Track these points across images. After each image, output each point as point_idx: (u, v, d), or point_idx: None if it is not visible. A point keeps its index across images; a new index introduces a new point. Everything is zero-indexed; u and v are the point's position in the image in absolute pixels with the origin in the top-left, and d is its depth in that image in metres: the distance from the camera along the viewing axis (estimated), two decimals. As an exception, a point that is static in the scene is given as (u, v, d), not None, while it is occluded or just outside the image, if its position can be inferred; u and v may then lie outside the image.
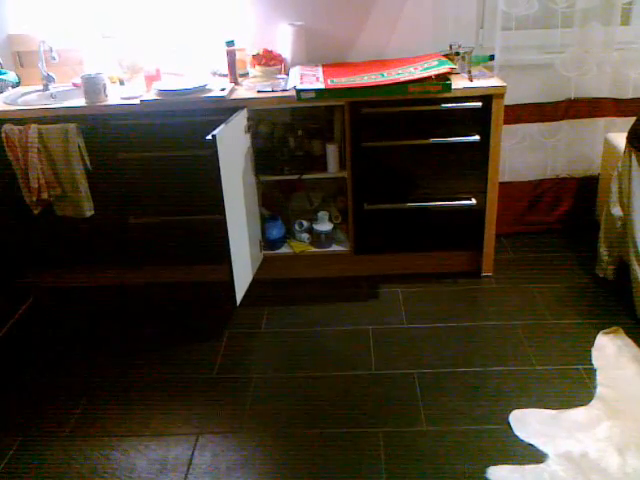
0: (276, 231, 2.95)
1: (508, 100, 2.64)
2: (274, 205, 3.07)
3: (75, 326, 2.79)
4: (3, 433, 2.18)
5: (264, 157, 2.84)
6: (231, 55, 2.78)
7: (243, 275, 2.60)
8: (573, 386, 2.21)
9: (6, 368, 2.54)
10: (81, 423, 2.21)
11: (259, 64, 2.93)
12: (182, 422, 2.18)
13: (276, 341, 2.57)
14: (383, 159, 2.72)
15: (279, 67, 2.93)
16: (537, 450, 1.94)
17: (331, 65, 2.95)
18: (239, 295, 2.53)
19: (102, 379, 2.43)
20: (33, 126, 2.60)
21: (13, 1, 3.01)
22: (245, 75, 2.94)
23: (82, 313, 2.89)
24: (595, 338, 2.43)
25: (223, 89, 2.67)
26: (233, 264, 2.42)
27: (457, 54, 2.76)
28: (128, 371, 2.45)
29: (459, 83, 2.60)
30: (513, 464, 1.90)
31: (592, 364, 2.31)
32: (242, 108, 2.60)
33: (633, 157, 2.50)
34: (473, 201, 2.76)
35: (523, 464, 1.89)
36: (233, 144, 2.48)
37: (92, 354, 2.58)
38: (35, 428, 2.20)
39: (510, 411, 2.10)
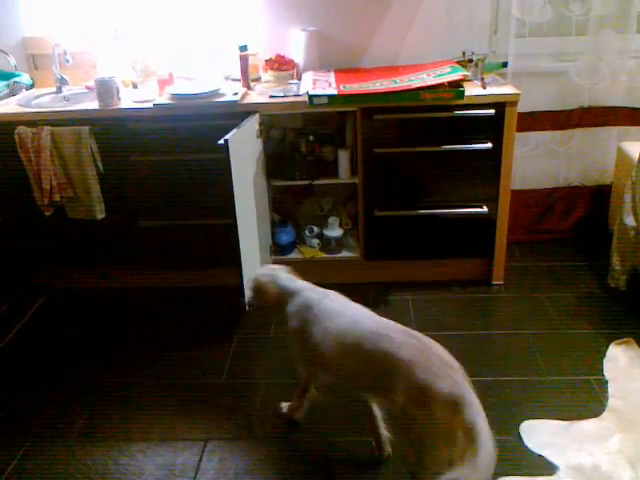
0: (286, 236, 2.95)
1: (521, 107, 2.62)
2: (285, 210, 3.07)
3: (84, 328, 2.79)
4: (11, 435, 2.18)
5: (275, 162, 2.84)
6: (244, 60, 2.79)
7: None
8: (584, 397, 2.19)
9: (15, 368, 2.55)
10: (89, 426, 2.21)
11: (272, 69, 2.93)
12: (190, 427, 2.18)
13: (285, 346, 2.55)
14: (395, 165, 2.71)
15: (291, 72, 2.94)
16: (548, 462, 1.92)
17: (343, 71, 2.95)
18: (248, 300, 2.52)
19: (111, 382, 2.43)
20: (46, 128, 2.61)
21: (28, 4, 3.04)
22: (257, 80, 2.95)
23: (91, 315, 2.89)
24: (607, 349, 2.41)
25: (236, 94, 2.67)
26: (243, 268, 2.42)
27: (470, 61, 2.75)
28: (137, 374, 2.45)
29: (472, 90, 2.59)
30: (523, 475, 1.87)
31: (604, 375, 2.28)
32: (254, 113, 2.60)
33: (647, 166, 2.48)
34: (485, 209, 2.75)
35: (533, 476, 1.87)
36: (245, 148, 2.48)
37: (101, 356, 2.58)
38: (43, 430, 2.20)
39: (520, 422, 2.08)
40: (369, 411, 1.97)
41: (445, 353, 1.64)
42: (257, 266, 2.66)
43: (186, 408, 2.27)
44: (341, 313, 1.83)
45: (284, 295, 1.96)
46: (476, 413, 1.53)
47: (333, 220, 2.95)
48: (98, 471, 2.01)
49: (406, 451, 1.68)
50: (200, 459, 2.03)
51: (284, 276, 2.01)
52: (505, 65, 2.90)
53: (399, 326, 1.74)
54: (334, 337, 1.77)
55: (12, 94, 2.95)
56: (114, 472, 2.01)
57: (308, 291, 1.95)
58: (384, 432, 1.98)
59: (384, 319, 1.79)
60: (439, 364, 1.60)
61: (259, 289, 2.00)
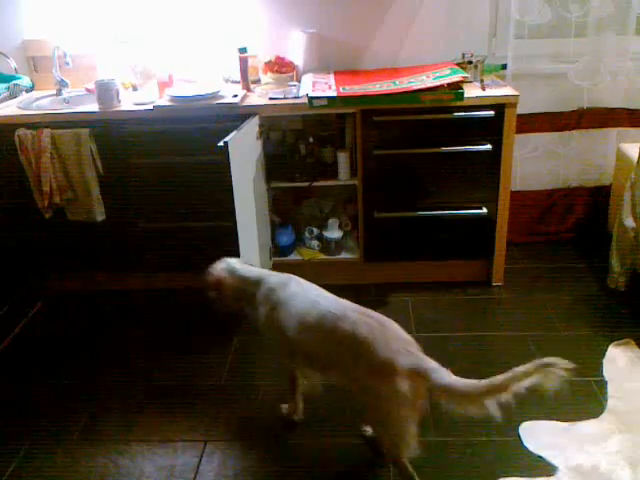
0: (286, 238, 2.95)
1: (520, 109, 2.63)
2: (284, 212, 3.07)
3: (83, 331, 2.80)
4: (11, 437, 2.18)
5: (275, 164, 2.85)
6: (243, 62, 2.79)
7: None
8: (584, 398, 2.19)
9: (14, 372, 2.55)
10: (89, 428, 2.21)
11: (271, 71, 2.94)
12: (190, 429, 2.18)
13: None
14: (394, 167, 2.71)
15: (291, 74, 2.94)
16: (547, 463, 1.92)
17: (343, 73, 2.95)
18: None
19: (110, 384, 2.43)
20: (46, 131, 2.62)
21: (28, 7, 3.04)
22: (257, 82, 2.95)
23: (90, 317, 2.89)
24: (606, 350, 2.41)
25: (235, 96, 2.68)
26: (243, 270, 2.42)
27: (470, 63, 2.76)
28: (136, 377, 2.46)
29: (472, 92, 2.59)
30: (523, 476, 1.88)
31: (603, 376, 2.28)
32: (254, 115, 2.60)
33: (646, 168, 2.48)
34: (484, 210, 2.75)
35: (533, 476, 1.87)
36: (245, 151, 2.49)
37: (100, 359, 2.58)
38: (43, 432, 2.20)
39: (520, 423, 2.08)
40: (295, 382, 2.09)
41: (401, 330, 1.74)
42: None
43: (186, 409, 2.27)
44: (303, 296, 1.88)
45: (247, 285, 1.99)
46: (444, 373, 1.64)
47: (333, 222, 2.95)
48: (98, 472, 2.02)
49: (381, 434, 1.78)
50: (200, 460, 2.04)
51: (241, 267, 2.04)
52: (504, 67, 2.91)
53: (358, 306, 1.82)
54: (297, 319, 1.83)
55: (12, 96, 2.95)
56: (114, 474, 2.01)
57: (270, 277, 1.98)
58: (301, 405, 2.12)
59: (344, 300, 1.86)
60: (396, 340, 1.69)
61: (218, 284, 2.02)
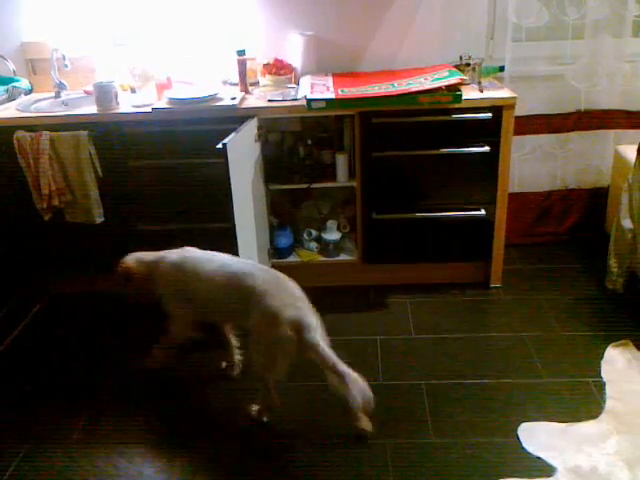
0: (285, 240, 2.96)
1: (518, 111, 2.64)
2: (283, 213, 3.07)
3: (82, 332, 2.79)
4: (11, 438, 2.18)
5: (274, 166, 2.85)
6: (242, 64, 2.79)
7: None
8: (582, 399, 2.19)
9: (14, 373, 2.55)
10: (88, 429, 2.21)
11: (270, 73, 2.94)
12: (190, 429, 2.18)
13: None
14: (393, 169, 2.72)
15: (289, 76, 2.95)
16: (546, 464, 1.92)
17: (341, 75, 2.96)
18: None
19: (110, 385, 2.43)
20: (45, 133, 2.62)
21: (27, 9, 3.04)
22: (256, 84, 2.95)
23: (89, 319, 2.89)
24: (604, 351, 2.42)
25: (234, 98, 2.68)
26: (242, 272, 2.42)
27: (467, 65, 2.77)
28: (136, 377, 2.45)
29: (469, 94, 2.60)
30: (522, 478, 1.88)
31: (601, 377, 2.29)
32: (252, 117, 2.61)
33: (644, 169, 2.50)
34: (482, 212, 2.76)
35: (532, 477, 1.88)
36: (243, 153, 2.49)
37: (99, 360, 2.58)
38: (42, 433, 2.20)
39: (519, 424, 2.09)
40: (227, 342, 2.39)
41: (296, 288, 2.05)
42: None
43: (186, 410, 2.27)
44: (209, 260, 2.19)
45: (152, 267, 2.25)
46: (319, 335, 1.96)
47: (331, 223, 2.96)
48: (97, 474, 2.01)
49: (258, 362, 2.06)
50: (199, 461, 2.03)
51: (144, 255, 2.31)
52: (502, 69, 2.92)
53: (260, 265, 2.15)
54: (207, 279, 2.13)
55: (11, 99, 2.95)
56: (113, 475, 2.01)
57: (169, 254, 2.27)
58: (237, 357, 2.40)
59: (247, 260, 2.21)
60: (289, 295, 2.01)
61: (127, 274, 2.26)
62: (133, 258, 2.30)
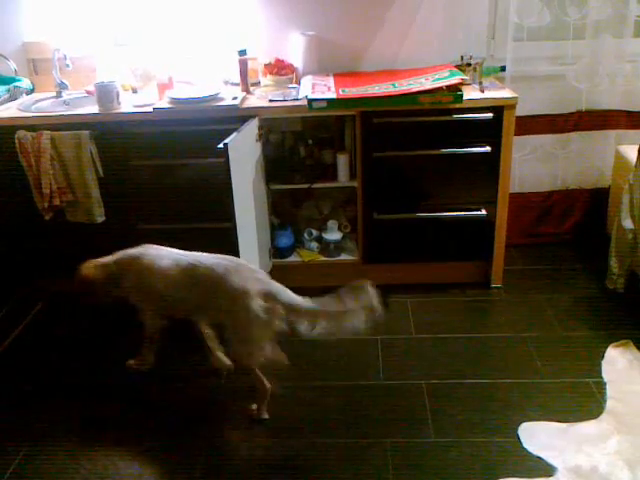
0: (285, 240, 2.96)
1: (519, 111, 2.64)
2: (284, 213, 3.08)
3: (83, 331, 2.80)
4: (11, 438, 2.18)
5: (275, 166, 2.85)
6: (243, 64, 2.80)
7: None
8: (583, 399, 2.19)
9: (15, 373, 2.55)
10: (89, 429, 2.22)
11: (271, 73, 2.94)
12: (190, 429, 2.18)
13: (283, 350, 2.55)
14: (394, 169, 2.72)
15: (291, 76, 2.95)
16: (546, 463, 1.92)
17: (342, 75, 2.96)
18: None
19: (111, 385, 2.43)
20: (46, 133, 2.62)
21: (28, 9, 3.05)
22: (257, 84, 2.96)
23: (90, 318, 2.89)
24: (605, 351, 2.42)
25: (235, 98, 2.68)
26: (242, 272, 2.43)
27: (468, 65, 2.77)
28: (136, 378, 2.45)
29: (470, 94, 2.60)
30: (522, 477, 1.88)
31: (602, 377, 2.29)
32: (254, 117, 2.61)
33: (644, 169, 2.50)
34: (483, 212, 2.76)
35: (532, 477, 1.88)
36: (244, 152, 2.49)
37: (100, 360, 2.59)
38: (42, 434, 2.20)
39: (519, 423, 2.09)
40: (207, 336, 2.39)
41: (253, 266, 2.14)
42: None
43: (186, 411, 2.27)
44: (167, 255, 2.23)
45: (110, 269, 2.26)
46: (289, 295, 2.03)
47: (332, 223, 2.96)
48: (97, 474, 2.02)
49: (241, 351, 2.09)
50: (199, 462, 2.03)
51: (99, 259, 2.31)
52: (503, 69, 2.92)
53: (213, 254, 2.18)
54: (166, 274, 2.16)
55: (12, 99, 2.95)
56: (113, 475, 2.01)
57: (127, 252, 2.29)
58: (220, 351, 2.38)
59: (201, 253, 2.20)
60: (249, 271, 2.08)
61: (86, 279, 2.26)
62: (89, 264, 2.30)
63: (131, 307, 2.31)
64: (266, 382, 2.14)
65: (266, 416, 2.18)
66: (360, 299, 1.99)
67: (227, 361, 2.36)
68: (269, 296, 2.00)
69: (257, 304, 1.97)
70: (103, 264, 2.28)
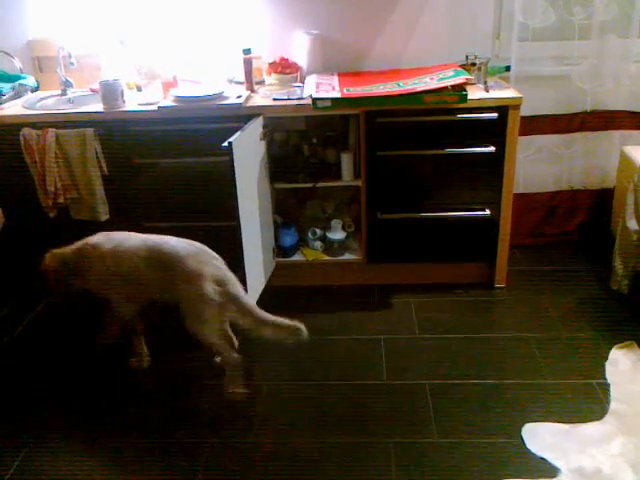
0: (289, 239, 2.96)
1: (524, 111, 2.63)
2: (288, 212, 3.08)
3: (86, 330, 2.79)
4: (12, 438, 2.18)
5: (279, 165, 2.85)
6: (248, 63, 2.80)
7: (256, 281, 2.60)
8: (586, 400, 2.19)
9: (16, 372, 2.55)
10: (90, 428, 2.22)
11: (275, 72, 2.94)
12: (190, 429, 2.18)
13: (287, 349, 2.55)
14: (398, 168, 2.72)
15: (295, 75, 2.95)
16: (549, 465, 1.92)
17: (347, 74, 2.96)
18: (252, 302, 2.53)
19: (112, 385, 2.43)
20: (51, 130, 2.63)
21: (33, 7, 3.05)
22: (261, 83, 2.95)
23: (94, 317, 2.89)
24: (609, 352, 2.41)
25: (239, 96, 2.68)
26: (246, 270, 2.43)
27: (473, 65, 2.76)
28: (138, 377, 2.46)
29: (475, 94, 2.60)
30: (525, 478, 1.88)
31: (606, 378, 2.29)
32: (258, 116, 2.61)
33: (649, 170, 2.49)
34: (487, 212, 2.75)
35: (535, 478, 1.87)
36: (249, 151, 2.49)
37: (102, 359, 2.58)
38: (44, 433, 2.20)
39: (522, 424, 2.08)
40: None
41: (212, 252, 2.23)
42: (260, 268, 2.67)
43: (186, 411, 2.27)
44: (127, 238, 2.28)
45: (69, 259, 2.29)
46: (238, 288, 2.17)
47: (336, 223, 2.96)
48: (99, 473, 2.02)
49: (196, 330, 2.18)
50: (200, 460, 2.04)
51: (60, 249, 2.33)
52: (508, 69, 2.91)
53: (178, 238, 2.25)
54: (129, 256, 2.22)
55: (17, 96, 2.96)
56: (114, 475, 2.01)
57: (87, 240, 2.30)
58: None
59: (164, 236, 2.27)
60: (208, 256, 2.19)
61: (45, 271, 2.29)
62: (49, 255, 2.32)
63: (99, 303, 2.33)
64: (235, 355, 2.24)
65: (241, 390, 2.25)
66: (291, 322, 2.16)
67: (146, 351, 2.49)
68: (222, 282, 2.14)
69: (210, 286, 2.11)
70: (60, 253, 2.31)
